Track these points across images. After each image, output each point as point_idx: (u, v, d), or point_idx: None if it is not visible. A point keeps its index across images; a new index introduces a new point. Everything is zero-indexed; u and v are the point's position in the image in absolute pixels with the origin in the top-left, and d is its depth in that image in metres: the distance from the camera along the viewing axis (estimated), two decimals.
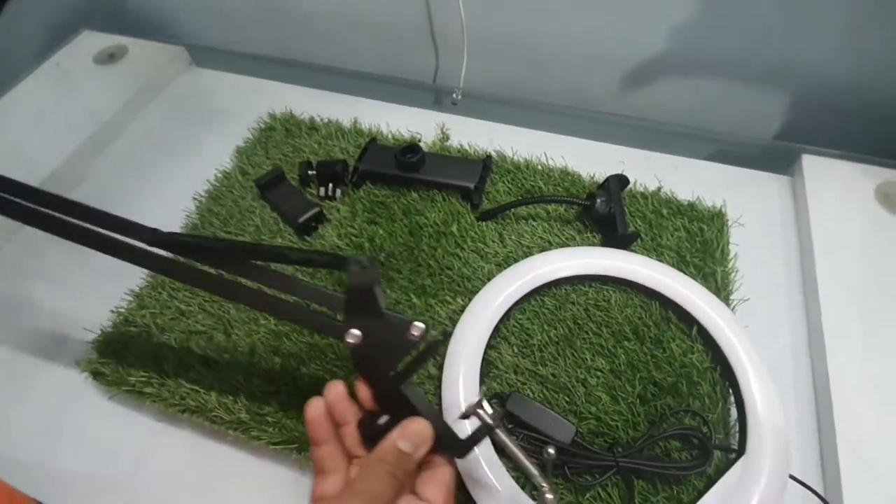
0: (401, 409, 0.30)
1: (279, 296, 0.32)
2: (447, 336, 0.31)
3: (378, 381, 0.30)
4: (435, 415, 0.30)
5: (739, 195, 0.53)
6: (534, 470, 0.30)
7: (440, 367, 0.41)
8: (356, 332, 0.30)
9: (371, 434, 0.31)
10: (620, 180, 0.49)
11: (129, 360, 0.43)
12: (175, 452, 0.42)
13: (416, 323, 0.30)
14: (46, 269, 0.53)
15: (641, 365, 0.41)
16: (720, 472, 0.36)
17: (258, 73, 0.72)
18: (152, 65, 0.72)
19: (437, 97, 0.72)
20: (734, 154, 0.61)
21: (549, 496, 0.29)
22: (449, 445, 0.30)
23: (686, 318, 0.43)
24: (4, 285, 0.52)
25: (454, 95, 0.67)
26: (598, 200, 0.47)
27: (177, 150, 0.63)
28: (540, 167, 0.55)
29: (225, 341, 0.44)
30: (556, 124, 0.61)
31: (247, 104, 0.64)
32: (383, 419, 0.30)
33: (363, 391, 0.31)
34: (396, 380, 0.30)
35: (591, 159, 0.56)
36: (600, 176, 0.54)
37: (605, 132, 0.61)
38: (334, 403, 0.31)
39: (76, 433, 0.43)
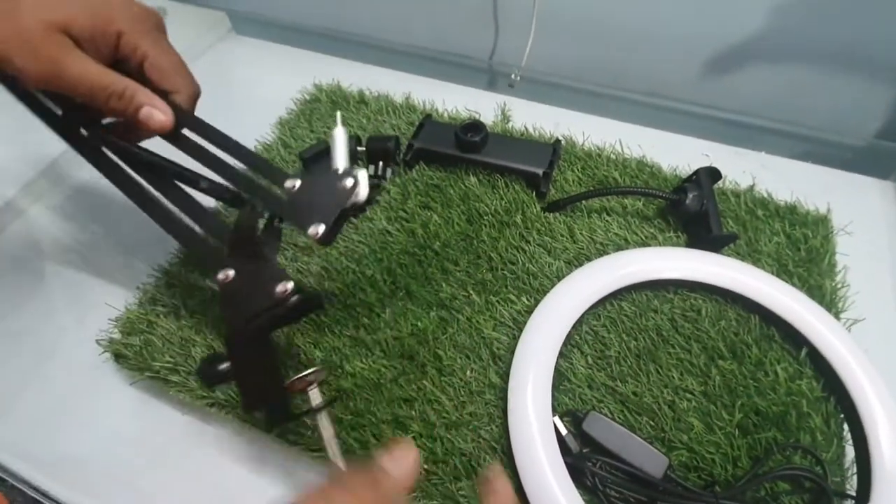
0: (249, 362, 0.28)
1: (181, 215, 0.32)
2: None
3: (234, 323, 0.29)
4: (279, 383, 0.29)
5: (837, 200, 0.46)
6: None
7: (504, 376, 0.36)
8: (230, 271, 0.29)
9: (209, 378, 0.29)
10: (712, 173, 0.43)
11: (155, 343, 0.39)
12: (200, 450, 0.37)
13: (287, 282, 0.28)
14: (73, 239, 0.49)
15: (740, 389, 0.35)
16: None
17: (302, 45, 0.67)
18: (190, 30, 0.68)
19: (491, 78, 0.66)
20: (827, 154, 0.54)
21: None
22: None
23: (793, 338, 0.37)
24: (28, 253, 0.48)
25: (512, 77, 0.62)
26: (690, 195, 0.41)
27: (212, 120, 0.58)
28: (614, 156, 0.49)
29: None
30: (629, 113, 0.55)
31: (289, 76, 0.59)
32: (224, 365, 0.29)
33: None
34: (252, 331, 0.28)
35: (670, 152, 0.49)
36: (682, 170, 0.48)
37: (686, 124, 0.54)
38: None
39: (92, 420, 0.39)
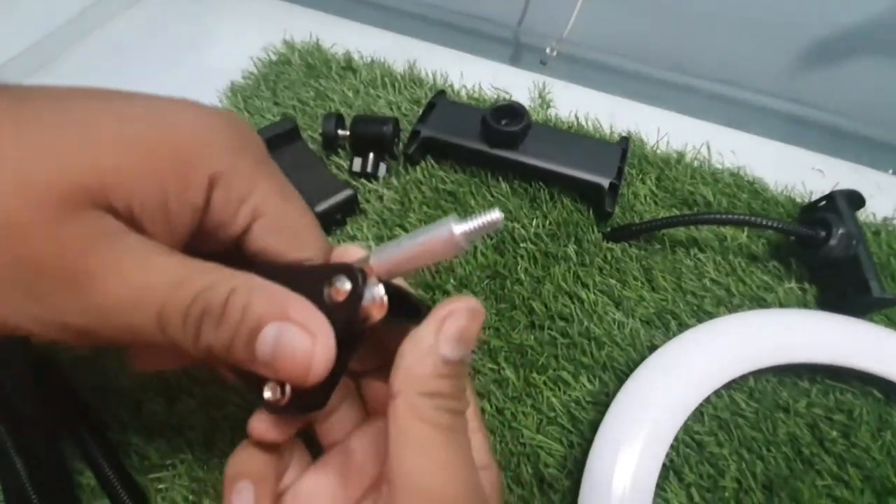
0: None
1: None
2: None
3: None
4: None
5: None
6: None
7: None
8: None
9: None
10: (851, 199, 0.30)
11: None
12: None
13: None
14: None
15: None
16: None
17: None
18: None
19: (515, 52, 0.52)
20: None
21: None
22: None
23: None
24: None
25: (547, 51, 0.48)
26: (837, 232, 0.27)
27: (147, 79, 0.42)
28: (697, 163, 0.35)
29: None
30: (703, 109, 0.42)
31: (258, 28, 0.44)
32: None
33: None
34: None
35: (769, 162, 0.36)
36: (795, 189, 0.35)
37: (780, 128, 0.41)
38: None
39: None
